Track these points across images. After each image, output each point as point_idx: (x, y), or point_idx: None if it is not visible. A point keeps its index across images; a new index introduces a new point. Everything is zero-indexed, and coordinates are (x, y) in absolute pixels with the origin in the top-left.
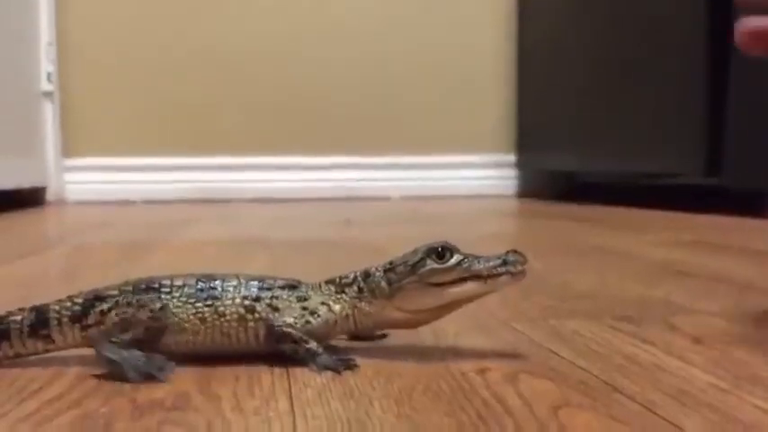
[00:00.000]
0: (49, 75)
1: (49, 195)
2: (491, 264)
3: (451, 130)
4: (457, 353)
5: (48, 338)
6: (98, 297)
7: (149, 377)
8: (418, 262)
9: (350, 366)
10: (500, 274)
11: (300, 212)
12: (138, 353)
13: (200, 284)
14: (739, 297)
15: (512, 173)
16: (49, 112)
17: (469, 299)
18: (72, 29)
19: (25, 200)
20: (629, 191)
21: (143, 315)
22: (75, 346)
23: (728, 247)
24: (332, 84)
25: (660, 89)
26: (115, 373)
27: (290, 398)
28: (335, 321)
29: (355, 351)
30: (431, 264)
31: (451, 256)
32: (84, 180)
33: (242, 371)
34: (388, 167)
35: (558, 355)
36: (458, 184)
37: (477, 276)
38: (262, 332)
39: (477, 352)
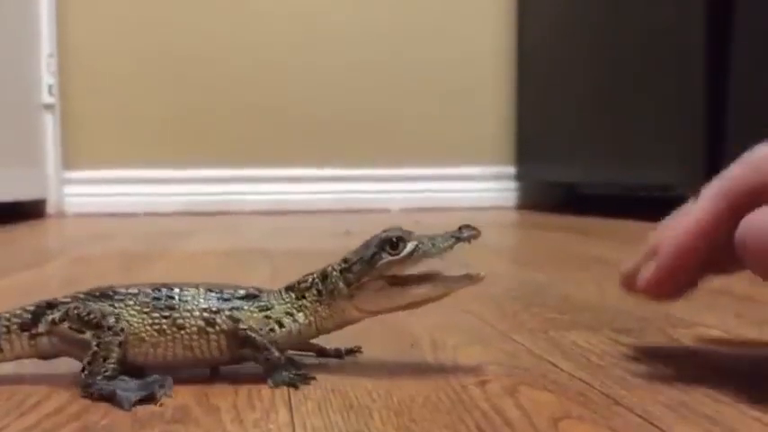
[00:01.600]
0: (49, 87)
1: (50, 208)
2: (444, 245)
3: (451, 141)
4: (456, 365)
5: None
6: (50, 305)
7: (147, 399)
8: (373, 256)
9: (306, 381)
10: (458, 279)
11: (300, 224)
12: (126, 379)
13: (157, 293)
14: (739, 310)
15: (511, 185)
16: (49, 125)
17: (429, 300)
18: (73, 41)
19: (25, 212)
20: (629, 203)
21: (107, 336)
22: (24, 356)
23: None
24: (331, 96)
25: (659, 101)
26: (114, 404)
27: (290, 410)
28: (299, 331)
29: (356, 364)
30: (386, 257)
31: (405, 245)
32: (85, 192)
33: (242, 383)
34: (387, 179)
35: (558, 367)
36: (457, 196)
37: (431, 277)
38: (224, 343)
39: (477, 364)
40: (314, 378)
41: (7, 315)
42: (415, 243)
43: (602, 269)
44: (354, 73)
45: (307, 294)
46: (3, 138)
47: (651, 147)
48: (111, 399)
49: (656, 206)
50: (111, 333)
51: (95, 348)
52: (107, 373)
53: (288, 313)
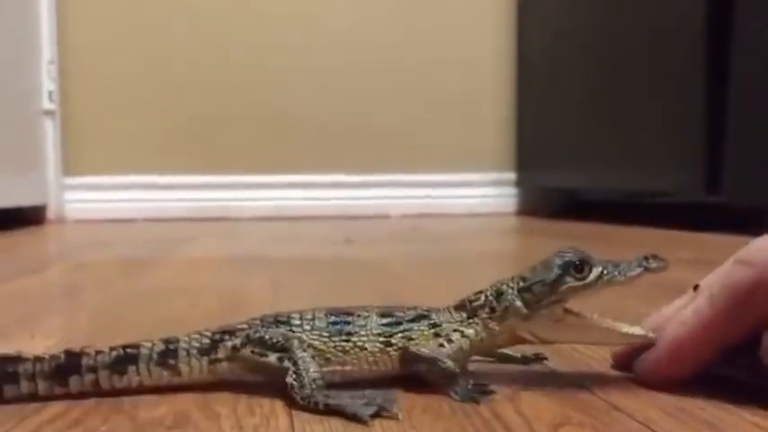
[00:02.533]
0: (50, 93)
1: (50, 214)
2: (633, 273)
3: (451, 147)
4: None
5: (174, 369)
6: (227, 332)
7: (381, 410)
8: (557, 279)
9: (486, 393)
10: (636, 336)
11: (300, 230)
12: (349, 394)
13: (332, 318)
14: None
15: (512, 191)
16: (49, 131)
17: (599, 344)
18: (73, 48)
19: (25, 218)
20: (629, 208)
21: (299, 353)
22: (200, 381)
23: None
24: (331, 102)
25: (660, 107)
26: (348, 416)
27: (290, 416)
28: (470, 346)
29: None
30: (571, 281)
31: (590, 270)
32: (85, 198)
33: (242, 390)
34: (387, 185)
35: (559, 374)
36: (458, 202)
37: (607, 324)
38: (397, 364)
39: (477, 370)
40: (494, 391)
41: (186, 339)
42: (601, 269)
43: None
44: (355, 79)
45: (479, 312)
46: (3, 143)
47: (651, 153)
48: (340, 411)
49: (655, 212)
50: (301, 350)
51: (295, 366)
52: (318, 382)
53: (457, 330)
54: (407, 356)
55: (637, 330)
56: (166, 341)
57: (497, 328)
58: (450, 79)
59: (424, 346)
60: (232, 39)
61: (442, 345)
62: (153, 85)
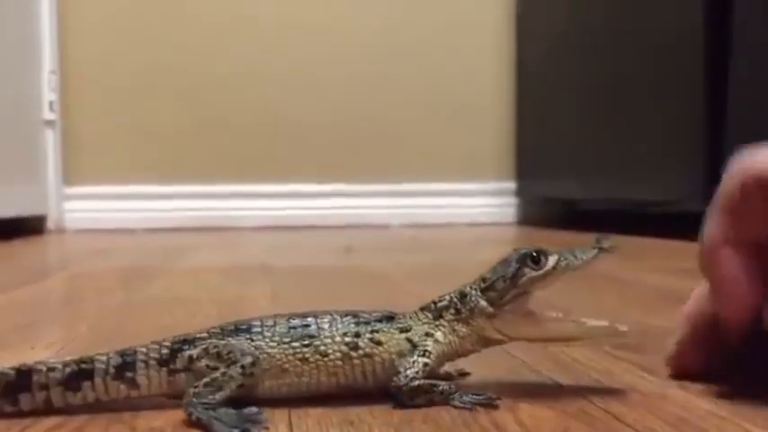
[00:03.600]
0: (51, 103)
1: (50, 223)
2: (588, 256)
3: (451, 157)
4: (456, 380)
5: (132, 382)
6: (186, 341)
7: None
8: (516, 273)
9: (492, 402)
10: (602, 328)
11: (300, 240)
12: (227, 411)
13: (293, 322)
14: None
15: (512, 200)
16: (50, 141)
17: (568, 339)
18: (74, 58)
19: (25, 228)
20: (629, 218)
21: (234, 372)
22: (159, 394)
23: None
24: (331, 111)
25: (659, 116)
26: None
27: (290, 425)
28: (443, 351)
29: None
30: (529, 272)
31: (546, 259)
32: (85, 208)
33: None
34: (387, 195)
35: (558, 383)
36: (458, 212)
37: (575, 319)
38: (369, 369)
39: (477, 379)
40: (499, 398)
41: (144, 349)
42: (557, 256)
43: (601, 285)
44: (354, 88)
45: (444, 314)
46: (3, 153)
47: (651, 163)
48: (207, 427)
49: (656, 222)
50: (240, 371)
51: (216, 375)
52: (213, 403)
53: (427, 334)
54: (406, 393)
55: (604, 323)
56: (122, 353)
57: (464, 330)
58: (450, 88)
59: (412, 376)
60: (232, 49)
61: (426, 364)
62: (153, 95)
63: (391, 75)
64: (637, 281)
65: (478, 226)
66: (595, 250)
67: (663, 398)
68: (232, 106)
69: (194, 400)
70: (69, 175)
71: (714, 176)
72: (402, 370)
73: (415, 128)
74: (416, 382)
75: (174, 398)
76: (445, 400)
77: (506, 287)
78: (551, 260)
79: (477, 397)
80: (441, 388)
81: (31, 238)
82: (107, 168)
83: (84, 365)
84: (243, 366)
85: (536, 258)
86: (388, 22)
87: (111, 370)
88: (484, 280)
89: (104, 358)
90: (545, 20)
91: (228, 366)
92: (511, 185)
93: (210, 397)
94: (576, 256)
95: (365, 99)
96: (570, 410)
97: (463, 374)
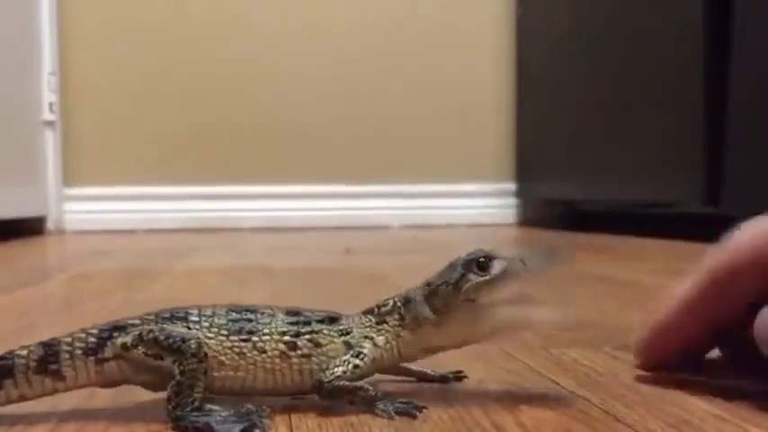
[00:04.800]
0: (50, 104)
1: (49, 224)
2: (537, 263)
3: (451, 158)
4: (456, 383)
5: (57, 374)
6: (116, 327)
7: (251, 427)
8: (460, 279)
9: (417, 410)
10: (549, 311)
11: (300, 241)
12: (215, 410)
13: (233, 315)
14: None
15: (512, 201)
16: (50, 142)
17: (514, 327)
18: (74, 59)
19: (25, 229)
20: (630, 219)
21: (191, 364)
22: (89, 385)
23: None
24: (331, 113)
25: (659, 118)
26: None
27: (290, 427)
28: (381, 356)
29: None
30: (474, 278)
31: (493, 265)
32: (85, 209)
33: (240, 400)
34: (387, 196)
35: (559, 385)
36: (458, 213)
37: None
38: (306, 368)
39: (477, 381)
40: (425, 407)
41: (68, 339)
42: (505, 263)
43: (602, 286)
44: (355, 90)
45: (388, 319)
46: (3, 154)
47: (651, 164)
48: (209, 431)
49: (655, 223)
50: (195, 360)
51: (180, 377)
52: (195, 404)
53: (367, 337)
54: (325, 392)
55: (551, 312)
56: (45, 344)
57: (409, 337)
58: (451, 90)
59: (340, 375)
60: (232, 50)
61: (356, 366)
62: (153, 97)
63: (392, 76)
64: (636, 282)
65: (479, 227)
66: (546, 258)
67: (663, 398)
68: (232, 107)
69: (178, 412)
70: (69, 177)
71: (714, 177)
72: (330, 366)
73: (416, 129)
74: (340, 383)
75: (104, 387)
76: (368, 404)
77: (449, 293)
78: (498, 266)
79: (403, 405)
80: (364, 392)
81: (31, 239)
82: (107, 169)
83: (2, 362)
84: (193, 353)
85: (482, 264)
86: (388, 23)
87: (33, 364)
88: (429, 284)
89: (25, 352)
90: (545, 21)
91: (177, 357)
92: (511, 186)
93: (190, 400)
94: (525, 264)
95: (365, 100)
96: (571, 412)
97: (460, 377)
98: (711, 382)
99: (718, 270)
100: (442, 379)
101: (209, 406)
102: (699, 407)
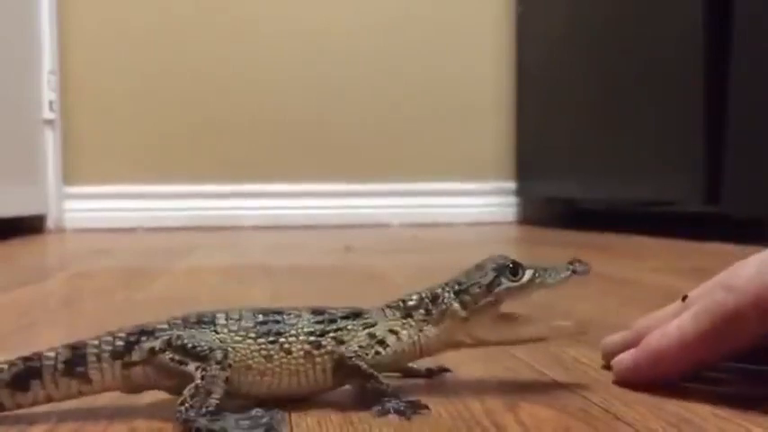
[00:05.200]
0: (50, 103)
1: (49, 223)
2: (562, 276)
3: (451, 157)
4: (457, 380)
5: (84, 377)
6: (144, 332)
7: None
8: (493, 281)
9: (418, 409)
10: (568, 326)
11: (300, 239)
12: (228, 416)
13: (259, 317)
14: None
15: (512, 200)
16: (50, 140)
17: (537, 340)
18: (74, 58)
19: (25, 227)
20: (630, 218)
21: (213, 370)
22: (114, 388)
23: None
24: (332, 111)
25: (659, 116)
26: None
27: (290, 424)
28: (404, 350)
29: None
30: (506, 282)
31: (523, 272)
32: (85, 208)
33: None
34: (387, 194)
35: (559, 383)
36: (458, 212)
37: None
38: (329, 366)
39: (477, 379)
40: (426, 406)
41: (95, 342)
42: (533, 271)
43: (602, 284)
44: (355, 89)
45: (414, 313)
46: (3, 153)
47: (651, 162)
48: None
49: (656, 222)
50: (218, 367)
51: (199, 381)
52: (210, 409)
53: (391, 331)
54: (343, 367)
55: (569, 323)
56: (73, 347)
57: (433, 331)
58: (451, 89)
59: (361, 354)
60: (232, 49)
61: (377, 352)
62: (153, 95)
63: (392, 75)
64: (637, 280)
65: (479, 225)
66: (569, 272)
67: (663, 397)
68: (232, 106)
69: (191, 414)
70: (69, 175)
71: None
72: (352, 344)
73: (416, 128)
74: (359, 362)
75: (128, 392)
76: (375, 396)
77: (481, 293)
78: (528, 274)
79: (407, 405)
80: (378, 382)
81: (31, 237)
82: (107, 168)
83: (30, 363)
84: (218, 362)
85: (514, 270)
86: (388, 23)
87: (61, 366)
88: (459, 283)
89: (53, 354)
90: (545, 20)
91: (202, 363)
92: (511, 185)
93: (206, 404)
94: (549, 275)
95: (366, 99)
96: (570, 410)
97: (443, 370)
98: (712, 385)
99: (718, 315)
100: (429, 373)
101: (222, 413)
102: (700, 406)
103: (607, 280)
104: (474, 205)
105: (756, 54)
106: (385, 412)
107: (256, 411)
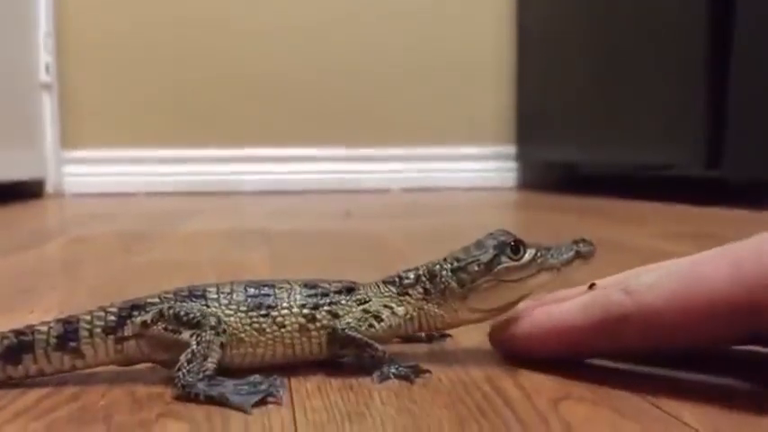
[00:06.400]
0: (47, 66)
1: (48, 187)
2: (565, 257)
3: (451, 121)
4: (457, 347)
5: (77, 352)
6: (135, 306)
7: (266, 397)
8: (492, 259)
9: (419, 373)
10: (569, 259)
11: (300, 204)
12: (225, 381)
13: (251, 291)
14: None
15: (512, 164)
16: (47, 104)
17: (541, 288)
18: (71, 19)
19: (24, 192)
20: (630, 183)
21: (209, 335)
22: (107, 363)
23: (729, 239)
24: (331, 76)
25: (661, 81)
26: (230, 406)
27: (290, 390)
28: (399, 325)
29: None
30: (506, 261)
31: (525, 251)
32: (84, 172)
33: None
34: (387, 159)
35: None
36: (458, 176)
37: (549, 268)
38: (324, 339)
39: (477, 346)
40: (428, 371)
41: (87, 317)
42: (535, 251)
43: (601, 249)
44: (355, 53)
45: (411, 291)
46: (0, 118)
47: (652, 126)
48: (220, 401)
49: (656, 186)
50: (212, 332)
51: (195, 347)
52: (207, 373)
53: (386, 306)
54: (336, 338)
55: (569, 254)
56: (65, 321)
57: (434, 309)
58: (450, 53)
59: (354, 326)
60: (232, 11)
61: (371, 325)
62: (152, 58)
63: (391, 38)
64: (637, 245)
65: (479, 190)
66: (572, 253)
67: (663, 363)
68: (232, 70)
69: (188, 379)
70: (67, 139)
71: (716, 141)
72: (346, 317)
73: (415, 92)
74: (353, 333)
75: (122, 365)
76: (373, 364)
77: (480, 272)
78: (529, 254)
79: (408, 369)
80: (373, 350)
81: (30, 202)
82: (106, 132)
83: (23, 337)
84: (212, 327)
85: (515, 248)
86: None
87: (53, 340)
88: (457, 260)
89: (45, 328)
90: None
91: (196, 330)
92: (511, 149)
93: (203, 368)
94: (552, 255)
95: (365, 63)
96: (570, 375)
97: (443, 336)
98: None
99: (611, 312)
100: (429, 338)
101: (218, 378)
102: (698, 372)
103: (608, 245)
104: (474, 170)
105: (760, 18)
106: (386, 377)
107: (255, 377)
